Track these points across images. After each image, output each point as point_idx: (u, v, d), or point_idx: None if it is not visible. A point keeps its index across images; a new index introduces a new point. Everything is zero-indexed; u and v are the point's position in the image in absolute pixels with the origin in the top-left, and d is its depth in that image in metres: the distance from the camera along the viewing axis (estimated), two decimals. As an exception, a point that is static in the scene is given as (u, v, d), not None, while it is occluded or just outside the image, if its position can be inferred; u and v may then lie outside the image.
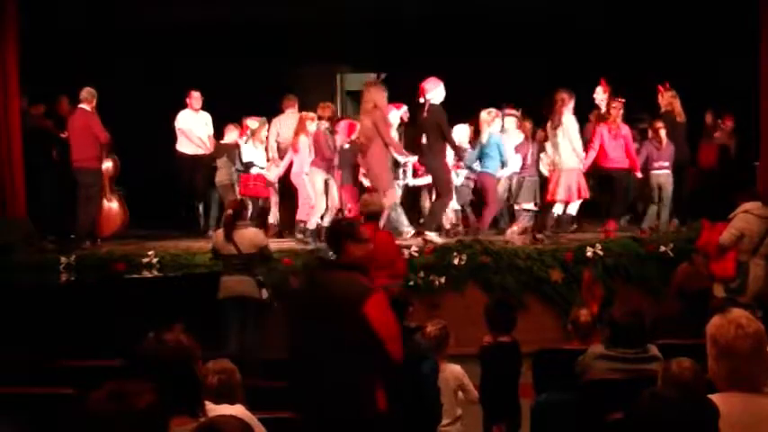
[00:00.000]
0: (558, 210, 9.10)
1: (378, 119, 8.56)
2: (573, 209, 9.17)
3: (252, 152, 9.89)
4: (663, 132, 9.65)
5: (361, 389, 3.72)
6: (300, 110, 10.58)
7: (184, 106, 10.48)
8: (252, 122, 10.02)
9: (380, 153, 8.67)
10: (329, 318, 3.72)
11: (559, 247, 8.66)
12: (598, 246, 8.53)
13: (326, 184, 9.57)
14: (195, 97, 10.42)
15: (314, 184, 9.39)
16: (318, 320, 3.76)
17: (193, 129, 10.41)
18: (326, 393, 3.71)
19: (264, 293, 7.18)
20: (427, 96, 8.78)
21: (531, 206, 9.32)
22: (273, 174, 9.97)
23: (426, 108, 8.81)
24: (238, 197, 9.55)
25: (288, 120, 10.27)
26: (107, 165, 9.88)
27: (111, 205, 10.16)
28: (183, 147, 10.47)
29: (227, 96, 10.89)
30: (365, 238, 3.96)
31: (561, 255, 8.48)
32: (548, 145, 9.25)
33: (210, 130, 10.48)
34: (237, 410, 2.93)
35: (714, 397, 2.70)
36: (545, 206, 9.34)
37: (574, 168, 8.91)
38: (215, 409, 2.88)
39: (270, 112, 10.45)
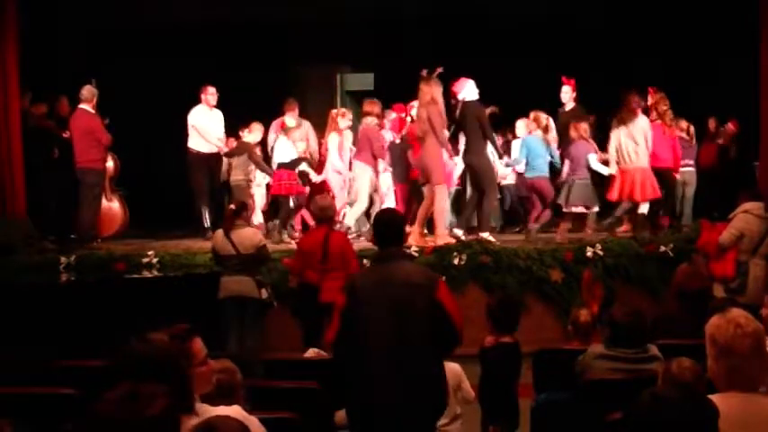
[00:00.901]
0: (644, 208, 9.22)
1: (433, 113, 8.56)
2: (645, 208, 9.29)
3: (288, 150, 9.58)
4: (692, 130, 9.72)
5: (439, 373, 3.93)
6: (300, 111, 10.58)
7: (196, 102, 10.09)
8: (290, 120, 9.78)
9: (436, 147, 8.67)
10: (407, 306, 3.83)
11: (559, 247, 8.67)
12: (598, 246, 8.53)
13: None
14: (211, 93, 9.95)
15: (363, 182, 9.27)
16: (395, 309, 3.84)
17: (209, 127, 9.98)
18: (407, 380, 3.80)
19: (264, 293, 7.19)
20: (459, 96, 8.87)
21: (581, 209, 9.29)
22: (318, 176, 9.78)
23: (460, 107, 8.88)
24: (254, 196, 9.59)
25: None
26: (108, 164, 9.88)
27: (112, 205, 10.18)
28: (198, 145, 9.97)
29: (227, 96, 10.87)
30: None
31: (561, 255, 8.48)
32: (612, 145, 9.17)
33: (222, 128, 10.19)
34: (234, 411, 2.92)
35: (714, 397, 2.70)
36: (635, 206, 9.29)
37: (648, 167, 9.05)
38: (212, 410, 2.88)
39: (270, 112, 10.44)
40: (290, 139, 9.66)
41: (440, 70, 8.67)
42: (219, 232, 7.32)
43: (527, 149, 9.33)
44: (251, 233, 7.29)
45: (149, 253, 8.63)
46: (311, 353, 5.43)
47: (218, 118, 10.15)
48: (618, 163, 9.03)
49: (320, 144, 10.22)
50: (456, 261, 8.36)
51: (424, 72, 8.72)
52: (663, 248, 8.51)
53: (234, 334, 7.02)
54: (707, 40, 10.98)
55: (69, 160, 9.34)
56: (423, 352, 3.83)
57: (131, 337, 2.84)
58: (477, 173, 8.97)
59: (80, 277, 8.30)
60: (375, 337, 3.86)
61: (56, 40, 10.82)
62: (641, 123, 8.97)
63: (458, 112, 8.92)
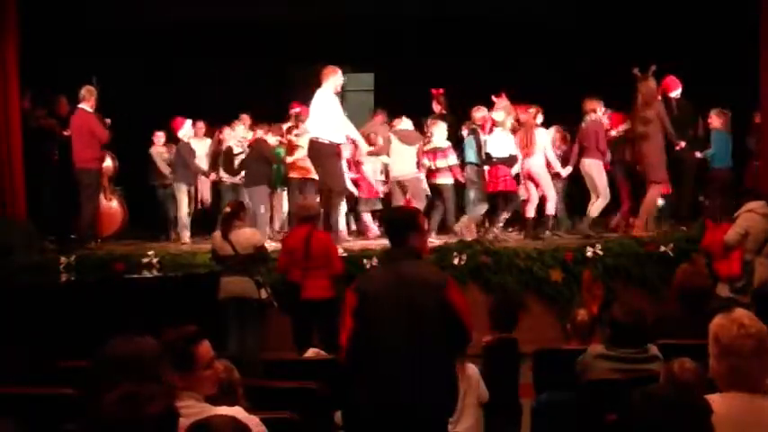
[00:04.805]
0: None
1: (661, 110, 8.94)
2: None
3: (506, 144, 9.37)
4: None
5: (451, 373, 3.92)
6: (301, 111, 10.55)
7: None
8: (497, 114, 9.50)
9: (660, 144, 9.03)
10: (420, 306, 3.81)
11: (559, 247, 8.67)
12: (598, 246, 8.53)
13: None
14: (341, 78, 8.72)
15: (599, 177, 9.41)
16: (408, 309, 3.82)
17: (338, 112, 8.71)
18: (420, 380, 3.78)
19: (264, 294, 7.19)
20: (673, 94, 9.38)
21: None
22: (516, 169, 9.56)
23: (677, 105, 9.39)
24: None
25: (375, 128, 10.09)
26: (106, 164, 9.87)
27: (111, 204, 10.16)
28: (329, 134, 8.60)
29: (226, 96, 10.89)
30: (425, 229, 4.04)
31: (561, 255, 8.48)
32: None
33: None
34: (236, 411, 2.92)
35: (715, 397, 2.70)
36: None
37: None
38: (215, 410, 2.88)
39: (269, 111, 10.42)
40: (505, 131, 9.45)
41: (654, 68, 9.01)
42: (218, 233, 7.32)
43: (721, 142, 9.73)
44: (249, 233, 7.28)
45: (149, 253, 8.63)
46: (311, 353, 5.42)
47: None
48: None
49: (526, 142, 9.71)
50: (456, 261, 8.35)
51: (637, 71, 9.03)
52: (663, 248, 8.51)
53: (233, 334, 7.02)
54: (707, 40, 10.97)
55: (69, 160, 9.33)
56: (435, 352, 3.82)
57: (110, 337, 2.84)
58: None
59: (80, 277, 8.29)
60: (388, 338, 3.83)
61: (56, 40, 10.80)
62: None
63: (675, 109, 9.41)
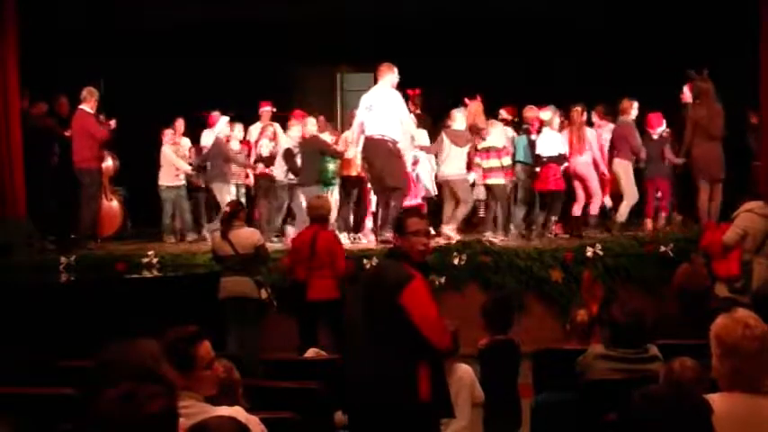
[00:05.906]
0: None
1: (715, 111, 9.06)
2: None
3: (556, 143, 9.33)
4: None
5: (398, 377, 3.76)
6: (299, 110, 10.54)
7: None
8: (545, 114, 9.43)
9: (716, 144, 9.13)
10: (370, 306, 3.84)
11: (559, 247, 8.67)
12: (598, 246, 8.54)
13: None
14: (396, 71, 8.70)
15: (626, 178, 9.46)
16: (362, 308, 3.87)
17: (401, 106, 8.75)
18: (366, 379, 3.80)
19: (264, 294, 7.20)
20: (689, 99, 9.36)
21: None
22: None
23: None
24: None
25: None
26: (106, 164, 9.87)
27: (111, 204, 10.16)
28: (392, 131, 8.56)
29: (226, 96, 10.87)
30: (410, 231, 3.96)
31: (561, 255, 8.48)
32: None
33: None
34: (235, 411, 2.92)
35: (716, 396, 2.71)
36: None
37: None
38: (214, 411, 2.88)
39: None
40: (553, 129, 9.42)
41: (707, 70, 9.14)
42: (217, 234, 7.33)
43: None
44: (248, 233, 7.28)
45: (149, 253, 8.64)
46: (311, 353, 5.43)
47: None
48: None
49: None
50: (456, 261, 8.36)
51: (693, 73, 9.19)
52: (663, 248, 8.52)
53: (233, 334, 7.02)
54: (707, 41, 10.97)
55: (69, 160, 9.34)
56: (388, 352, 3.76)
57: (110, 340, 2.84)
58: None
59: (80, 277, 8.30)
60: (351, 336, 3.93)
61: (56, 40, 10.81)
62: None
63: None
